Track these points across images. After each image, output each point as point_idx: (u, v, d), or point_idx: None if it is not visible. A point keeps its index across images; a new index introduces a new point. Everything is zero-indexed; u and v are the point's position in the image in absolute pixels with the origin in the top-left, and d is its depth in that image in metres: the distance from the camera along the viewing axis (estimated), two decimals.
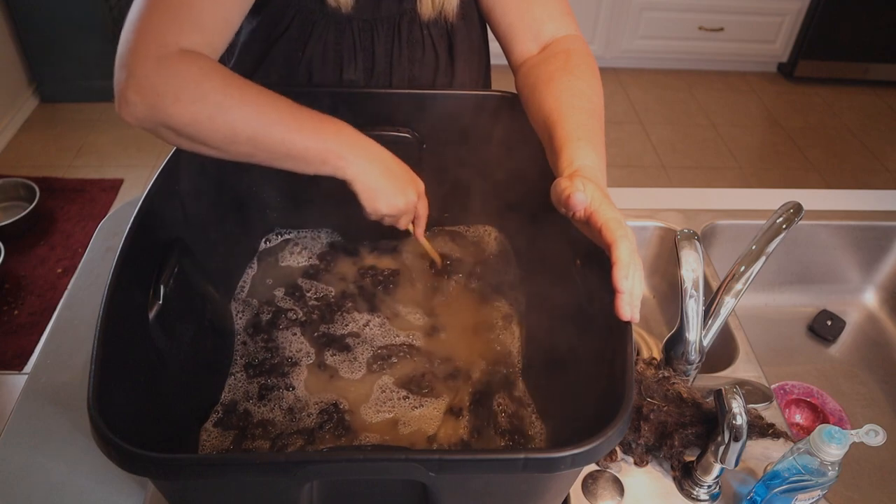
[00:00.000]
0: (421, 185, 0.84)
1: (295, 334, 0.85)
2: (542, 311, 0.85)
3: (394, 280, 0.93)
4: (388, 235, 0.98)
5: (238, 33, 0.88)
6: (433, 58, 0.92)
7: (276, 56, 0.87)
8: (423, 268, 0.95)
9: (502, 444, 0.74)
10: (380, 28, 0.87)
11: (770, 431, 0.75)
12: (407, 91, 0.89)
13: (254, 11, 0.85)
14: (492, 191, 0.95)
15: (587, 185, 0.61)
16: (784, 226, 0.78)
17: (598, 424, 0.52)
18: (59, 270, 2.19)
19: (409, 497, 0.57)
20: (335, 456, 0.56)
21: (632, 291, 0.58)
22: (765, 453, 0.79)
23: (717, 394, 0.67)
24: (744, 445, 0.66)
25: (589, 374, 0.67)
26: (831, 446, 0.64)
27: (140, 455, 0.49)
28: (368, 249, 0.98)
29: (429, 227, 0.99)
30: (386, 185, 0.77)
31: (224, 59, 0.93)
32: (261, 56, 0.87)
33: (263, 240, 0.97)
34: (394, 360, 0.83)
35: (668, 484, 0.75)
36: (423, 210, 0.86)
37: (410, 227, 0.87)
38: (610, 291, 0.58)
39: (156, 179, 0.72)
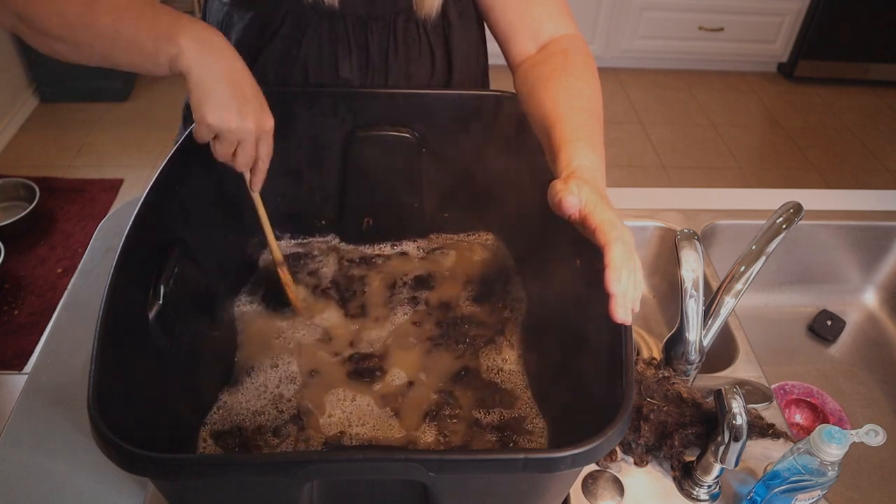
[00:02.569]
0: (270, 120, 0.72)
1: (295, 334, 0.85)
2: (542, 311, 0.86)
3: (393, 282, 0.93)
4: (388, 238, 0.98)
5: (230, 30, 0.88)
6: (429, 56, 0.92)
7: (271, 54, 0.87)
8: (424, 269, 0.95)
9: (501, 441, 0.74)
10: (374, 26, 0.87)
11: (770, 431, 0.75)
12: (407, 91, 0.89)
13: (245, 9, 0.85)
14: (491, 190, 0.95)
15: (582, 186, 0.61)
16: (784, 226, 0.78)
17: (598, 424, 0.52)
18: (59, 270, 2.19)
19: (409, 497, 0.57)
20: (335, 456, 0.56)
21: (625, 294, 0.58)
22: (765, 453, 0.79)
23: (717, 394, 0.67)
24: (744, 445, 0.66)
25: (589, 375, 0.67)
26: (831, 446, 0.64)
27: (140, 455, 0.49)
28: (369, 251, 0.98)
29: (429, 227, 0.99)
30: (224, 91, 0.67)
31: None
32: (255, 54, 0.87)
33: (262, 242, 0.97)
34: (393, 360, 0.83)
35: (668, 484, 0.75)
36: (264, 152, 0.74)
37: (246, 176, 0.76)
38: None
39: (156, 179, 0.72)
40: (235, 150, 0.71)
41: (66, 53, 0.68)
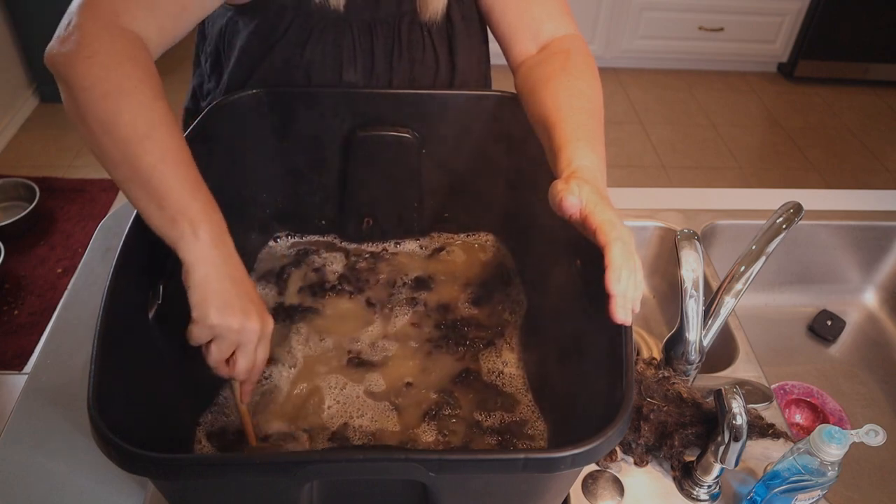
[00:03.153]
0: (271, 324, 0.67)
1: (295, 334, 0.85)
2: (542, 312, 0.86)
3: (393, 282, 0.93)
4: (388, 237, 0.99)
5: (235, 37, 0.88)
6: (433, 58, 0.92)
7: (275, 59, 0.86)
8: (424, 269, 0.95)
9: (502, 444, 0.74)
10: (379, 29, 0.87)
11: (770, 431, 0.75)
12: (407, 91, 0.89)
13: (251, 14, 0.85)
14: (492, 190, 0.95)
15: (583, 186, 0.61)
16: (784, 226, 0.78)
17: (598, 424, 0.52)
18: (59, 270, 2.19)
19: (409, 497, 0.57)
20: (335, 456, 0.56)
21: (625, 294, 0.58)
22: (765, 453, 0.79)
23: (717, 394, 0.67)
24: (744, 445, 0.66)
25: (589, 375, 0.67)
26: (831, 446, 0.64)
27: (140, 455, 0.49)
28: (369, 252, 0.98)
29: (429, 228, 0.99)
30: (231, 292, 0.63)
31: (222, 62, 0.92)
32: (259, 59, 0.87)
33: (263, 241, 0.97)
34: (392, 360, 0.83)
35: (668, 484, 0.75)
36: (261, 357, 0.67)
37: (236, 387, 0.68)
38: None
39: None
40: (233, 356, 0.66)
41: (88, 144, 0.64)
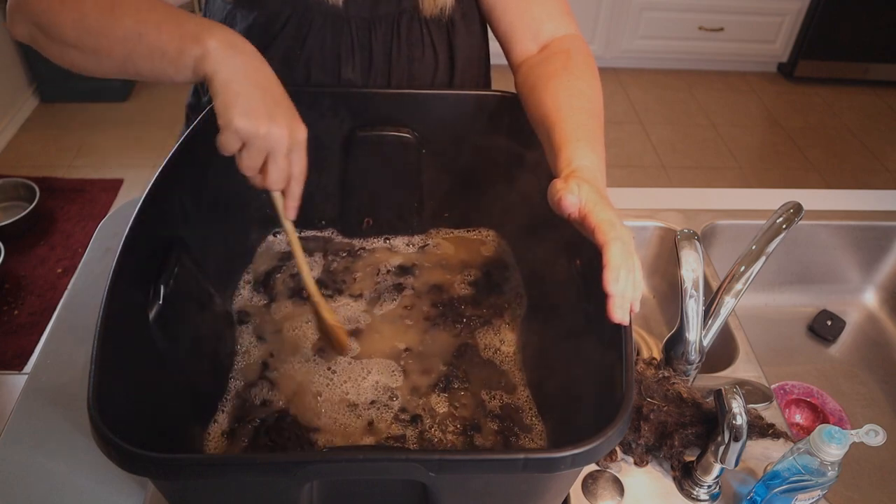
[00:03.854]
0: (304, 130, 0.64)
1: (296, 332, 0.85)
2: (542, 311, 0.85)
3: (393, 280, 0.93)
4: (385, 231, 0.98)
5: (234, 29, 0.88)
6: (432, 57, 0.92)
7: (273, 55, 0.87)
8: (425, 268, 0.95)
9: (502, 444, 0.74)
10: (378, 27, 0.87)
11: (770, 431, 0.75)
12: (407, 91, 0.89)
13: (248, 8, 0.85)
14: (492, 190, 0.95)
15: (582, 186, 0.61)
16: (784, 226, 0.78)
17: (598, 424, 0.52)
18: (59, 270, 2.19)
19: (409, 497, 0.57)
20: (335, 456, 0.56)
21: (623, 294, 0.58)
22: (765, 453, 0.79)
23: (717, 394, 0.67)
24: (744, 445, 0.66)
25: (589, 374, 0.67)
26: (831, 446, 0.64)
27: (140, 455, 0.49)
28: (369, 249, 0.98)
29: (429, 228, 0.99)
30: (252, 92, 0.60)
31: None
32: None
33: (264, 239, 0.97)
34: (392, 361, 0.83)
35: (668, 484, 0.75)
36: (299, 166, 0.65)
37: (279, 200, 0.66)
38: None
39: (156, 179, 0.72)
40: (265, 165, 0.64)
41: (85, 64, 0.65)
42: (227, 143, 0.61)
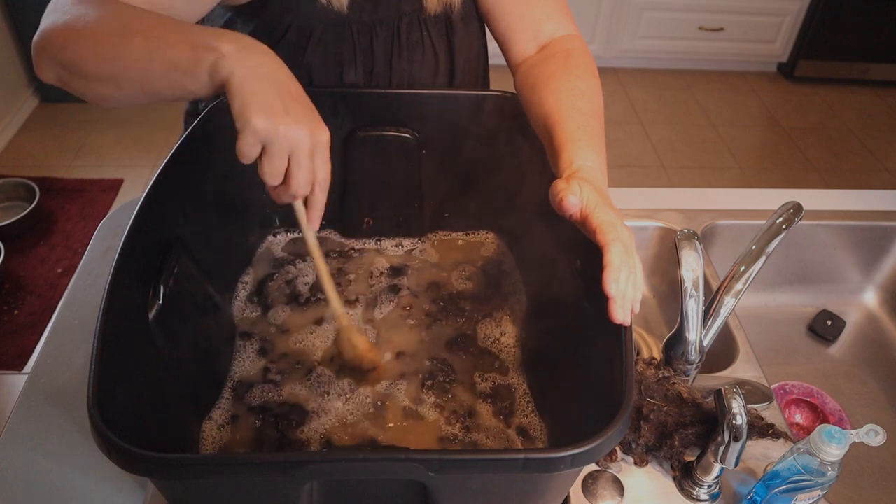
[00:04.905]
0: (324, 130, 0.62)
1: (296, 332, 0.85)
2: (542, 312, 0.86)
3: (393, 280, 0.93)
4: (385, 231, 0.99)
5: None
6: (433, 59, 0.92)
7: None
8: (425, 268, 0.95)
9: (502, 444, 0.74)
10: (379, 30, 0.87)
11: (770, 431, 0.75)
12: (407, 91, 0.89)
13: (250, 14, 0.85)
14: (492, 190, 0.95)
15: (583, 186, 0.61)
16: (784, 226, 0.78)
17: (598, 424, 0.52)
18: (59, 270, 2.19)
19: (409, 497, 0.57)
20: (335, 456, 0.56)
21: (624, 295, 0.58)
22: (765, 453, 0.79)
23: (717, 394, 0.67)
24: (744, 445, 0.66)
25: (589, 374, 0.67)
26: (831, 446, 0.64)
27: (140, 455, 0.49)
28: (369, 249, 0.98)
29: (429, 228, 0.99)
30: (270, 90, 0.58)
31: None
32: None
33: (264, 239, 0.97)
34: (392, 362, 0.82)
35: (668, 484, 0.75)
36: (322, 171, 0.62)
37: (301, 209, 0.64)
38: None
39: (156, 179, 0.72)
40: (288, 169, 0.60)
41: (108, 93, 0.64)
42: (247, 147, 0.58)
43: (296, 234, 0.98)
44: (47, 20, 0.67)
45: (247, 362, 0.81)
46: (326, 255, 0.96)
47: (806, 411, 0.99)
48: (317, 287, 0.91)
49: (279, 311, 0.88)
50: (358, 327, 0.72)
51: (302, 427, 0.74)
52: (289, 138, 0.58)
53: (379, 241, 0.99)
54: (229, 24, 0.88)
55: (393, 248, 0.98)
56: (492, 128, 0.90)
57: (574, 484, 0.73)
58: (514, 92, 0.86)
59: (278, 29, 0.85)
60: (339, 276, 0.93)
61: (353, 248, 0.98)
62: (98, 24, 0.63)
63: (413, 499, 0.57)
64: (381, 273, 0.94)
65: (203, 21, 0.94)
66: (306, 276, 0.93)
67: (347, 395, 0.78)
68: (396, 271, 0.94)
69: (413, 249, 0.98)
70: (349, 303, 0.89)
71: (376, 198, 0.95)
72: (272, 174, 0.59)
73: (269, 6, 0.83)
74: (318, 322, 0.87)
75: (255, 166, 0.61)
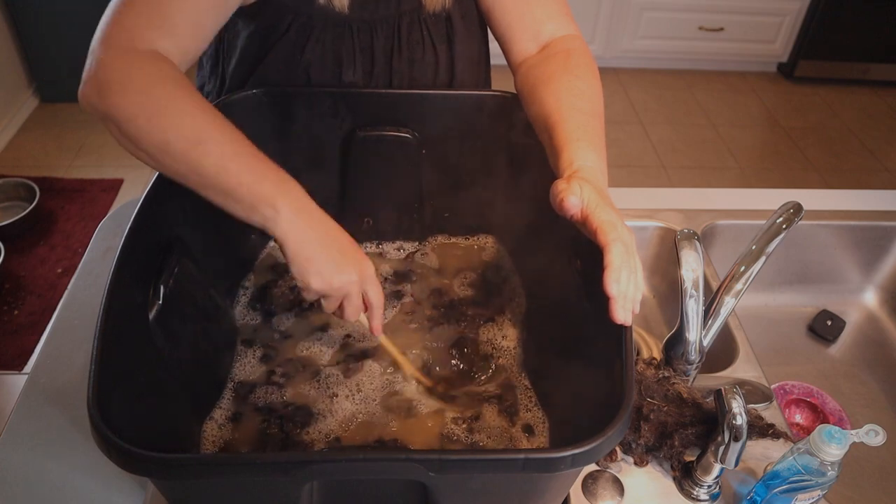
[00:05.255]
0: (370, 267, 0.72)
1: (295, 333, 0.85)
2: (542, 312, 0.86)
3: (395, 283, 0.93)
4: (388, 238, 0.98)
5: (237, 37, 0.88)
6: (433, 58, 0.92)
7: (274, 59, 0.87)
8: (427, 273, 0.95)
9: (505, 443, 0.74)
10: (379, 29, 0.87)
11: (770, 431, 0.75)
12: (407, 91, 0.89)
13: (251, 15, 0.85)
14: (492, 190, 0.95)
15: (584, 186, 0.61)
16: (784, 226, 0.78)
17: (598, 424, 0.52)
18: (59, 270, 2.19)
19: (409, 497, 0.57)
20: (335, 456, 0.56)
21: (624, 295, 0.58)
22: (765, 453, 0.79)
23: (717, 394, 0.67)
24: (744, 445, 0.66)
25: (589, 374, 0.67)
26: (831, 446, 0.64)
27: (140, 455, 0.49)
28: (370, 252, 0.98)
29: (428, 228, 0.99)
30: (323, 255, 0.68)
31: (223, 63, 0.93)
32: (259, 59, 0.87)
33: (265, 242, 0.97)
34: (392, 363, 0.83)
35: (668, 484, 0.75)
36: (375, 297, 0.74)
37: (364, 320, 0.76)
38: None
39: (156, 179, 0.72)
40: (342, 303, 0.72)
41: (151, 165, 0.67)
42: (309, 299, 0.72)
43: None
44: (119, 58, 0.64)
45: (248, 361, 0.81)
46: None
47: (806, 411, 0.99)
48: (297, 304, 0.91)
49: (280, 310, 0.88)
50: (392, 344, 0.81)
51: (307, 428, 0.74)
52: (340, 290, 0.70)
53: (380, 244, 0.99)
54: (231, 25, 0.88)
55: (395, 252, 0.98)
56: (492, 128, 0.90)
57: (574, 484, 0.73)
58: (515, 92, 0.86)
59: (279, 28, 0.85)
60: None
61: None
62: (174, 121, 0.63)
63: (413, 499, 0.57)
64: (386, 279, 0.94)
65: None
66: (285, 293, 0.92)
67: (354, 395, 0.78)
68: (401, 276, 0.94)
69: (415, 252, 0.98)
70: None
71: (376, 198, 0.95)
72: (330, 310, 0.73)
73: (269, 5, 0.83)
74: (324, 328, 0.87)
75: None
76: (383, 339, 0.79)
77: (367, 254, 0.96)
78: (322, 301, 0.71)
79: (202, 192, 0.66)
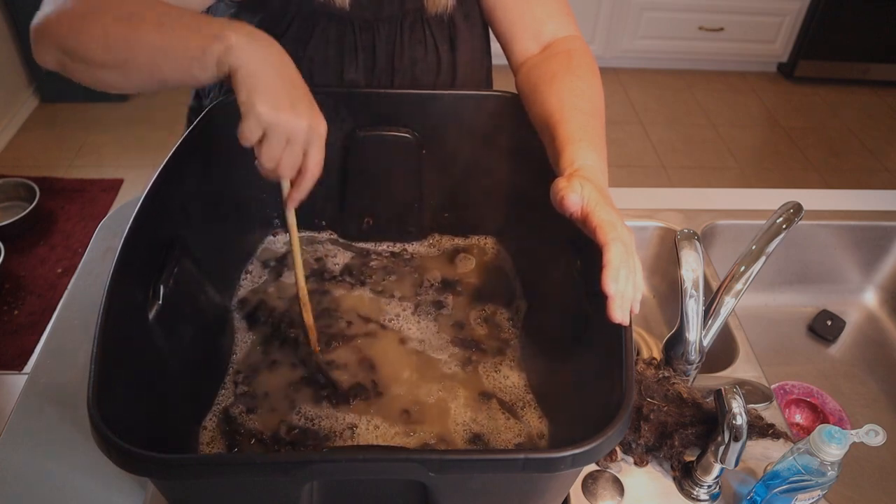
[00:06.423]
0: (323, 125, 0.66)
1: (294, 334, 0.85)
2: (542, 312, 0.86)
3: (393, 283, 0.93)
4: (388, 237, 0.98)
5: None
6: (435, 58, 0.92)
7: None
8: (425, 272, 0.95)
9: (503, 444, 0.74)
10: (381, 28, 0.87)
11: (770, 431, 0.75)
12: (408, 91, 0.89)
13: (253, 10, 0.85)
14: (492, 190, 0.95)
15: (585, 185, 0.61)
16: (784, 226, 0.78)
17: (598, 424, 0.52)
18: (59, 270, 2.19)
19: (409, 497, 0.57)
20: (335, 456, 0.56)
21: (623, 294, 0.58)
22: (765, 453, 0.79)
23: (717, 394, 0.67)
24: (744, 445, 0.66)
25: (589, 375, 0.67)
26: (831, 446, 0.64)
27: (140, 455, 0.49)
28: (369, 251, 0.98)
29: (429, 228, 0.99)
30: (276, 80, 0.62)
31: None
32: None
33: (263, 240, 0.97)
34: (393, 363, 0.83)
35: (668, 484, 0.75)
36: (314, 162, 0.66)
37: (286, 186, 0.69)
38: None
39: (156, 179, 0.72)
40: (281, 156, 0.65)
41: (113, 81, 0.66)
42: (249, 131, 0.62)
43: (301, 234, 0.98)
44: (49, 5, 0.66)
45: (248, 361, 0.81)
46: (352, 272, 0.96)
47: (806, 411, 0.99)
48: (317, 288, 0.91)
49: (280, 310, 0.88)
50: (311, 319, 0.79)
51: (307, 428, 0.74)
52: (287, 127, 0.62)
53: (380, 244, 0.99)
54: (234, 19, 0.88)
55: (395, 252, 0.98)
56: (493, 128, 0.90)
57: (574, 484, 0.73)
58: (516, 92, 0.86)
59: (280, 24, 0.85)
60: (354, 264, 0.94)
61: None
62: (104, 10, 0.64)
63: (413, 499, 0.57)
64: (386, 279, 0.94)
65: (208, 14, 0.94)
66: (309, 263, 0.93)
67: (343, 390, 0.78)
68: (401, 276, 0.94)
69: (415, 252, 0.98)
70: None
71: (376, 197, 0.95)
72: (269, 158, 0.64)
73: (272, 1, 0.83)
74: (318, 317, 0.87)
75: (254, 166, 0.64)
76: (291, 219, 0.71)
77: (367, 254, 0.97)
78: (262, 145, 0.63)
79: (160, 71, 0.63)
